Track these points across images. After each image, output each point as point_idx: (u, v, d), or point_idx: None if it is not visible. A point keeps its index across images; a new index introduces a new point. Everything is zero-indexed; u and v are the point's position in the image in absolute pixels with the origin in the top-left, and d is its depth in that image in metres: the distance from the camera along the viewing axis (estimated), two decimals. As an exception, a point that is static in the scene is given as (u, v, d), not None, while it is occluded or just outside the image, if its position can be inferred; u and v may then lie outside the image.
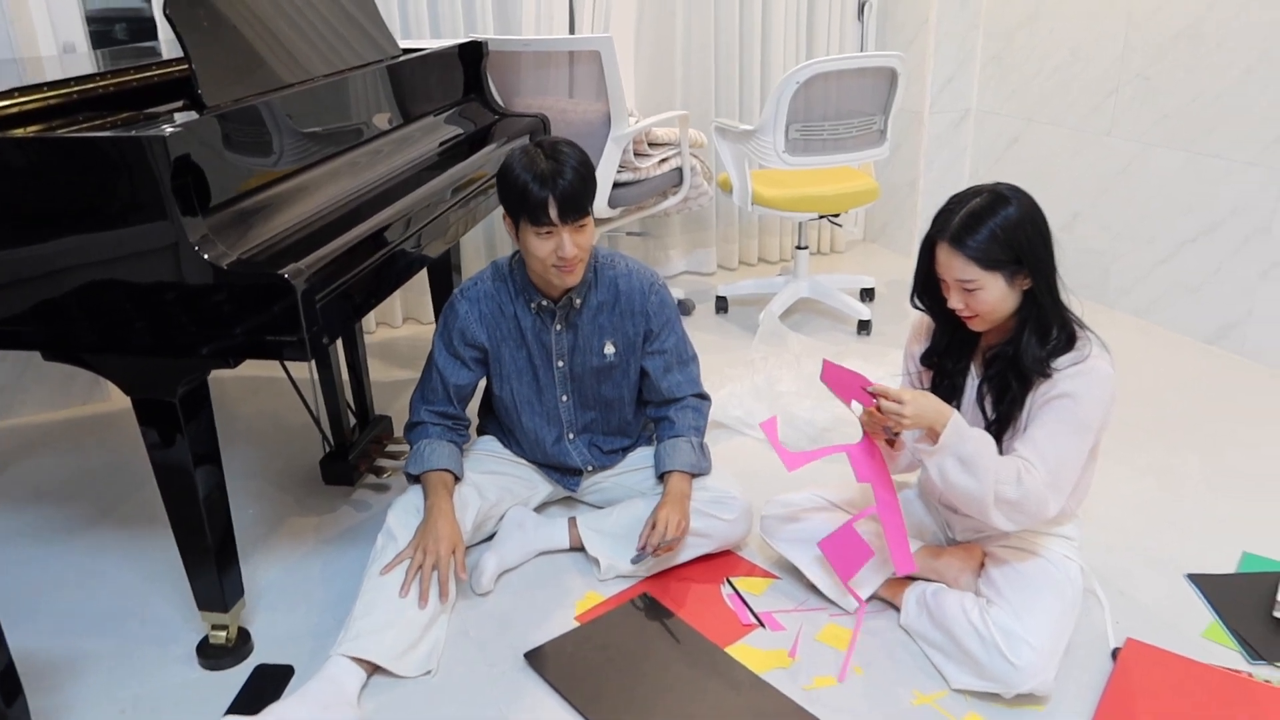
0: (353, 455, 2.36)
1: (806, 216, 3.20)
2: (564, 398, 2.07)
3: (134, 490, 2.42)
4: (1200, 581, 1.96)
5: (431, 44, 2.70)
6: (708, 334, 3.34)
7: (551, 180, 1.78)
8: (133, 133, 1.44)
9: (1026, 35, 3.54)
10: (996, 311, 1.62)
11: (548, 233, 1.81)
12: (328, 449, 2.38)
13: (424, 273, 3.08)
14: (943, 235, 1.61)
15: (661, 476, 2.05)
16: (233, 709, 1.67)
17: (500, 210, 1.91)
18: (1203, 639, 1.81)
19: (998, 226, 1.57)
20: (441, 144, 2.38)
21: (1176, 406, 2.71)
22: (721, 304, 3.54)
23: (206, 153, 1.54)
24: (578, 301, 1.98)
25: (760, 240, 4.07)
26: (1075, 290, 3.35)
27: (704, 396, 2.15)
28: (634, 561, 1.96)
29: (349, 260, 1.67)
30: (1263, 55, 2.77)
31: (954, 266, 1.60)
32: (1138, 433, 2.56)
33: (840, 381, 1.72)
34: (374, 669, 1.73)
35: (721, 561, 2.06)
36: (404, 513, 1.91)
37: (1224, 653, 1.77)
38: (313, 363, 2.36)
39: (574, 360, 2.04)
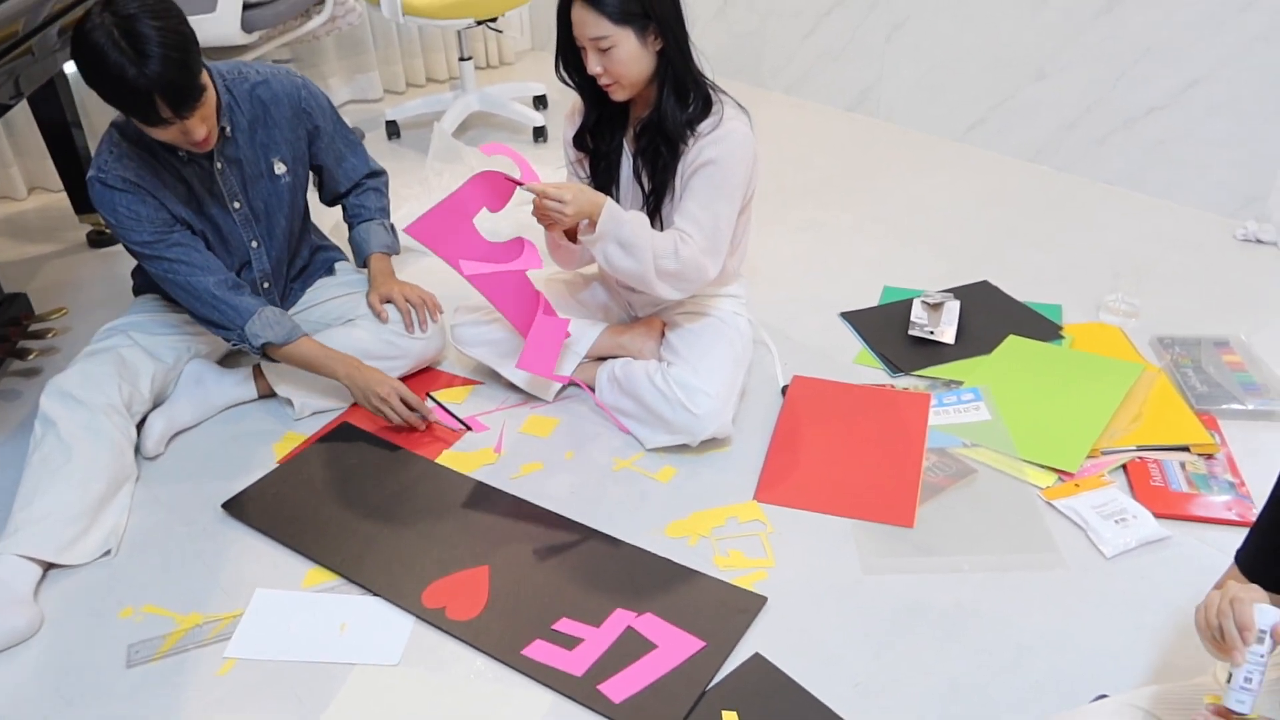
0: (-15, 341, 2.08)
1: (463, 23, 3.06)
2: (254, 243, 1.90)
3: None
4: (850, 317, 2.19)
5: None
6: (382, 160, 3.07)
7: (147, 80, 1.50)
8: None
9: None
10: (632, 73, 1.65)
11: (164, 126, 1.60)
12: (-49, 339, 2.08)
13: (38, 135, 2.66)
14: None
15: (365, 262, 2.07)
16: (-116, 631, 1.49)
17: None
18: (854, 365, 2.04)
19: None
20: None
21: (825, 169, 2.94)
22: (393, 129, 3.37)
23: None
24: (228, 129, 1.77)
25: (425, 59, 3.87)
26: (731, 75, 3.47)
27: (377, 173, 2.13)
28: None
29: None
30: None
31: (587, 23, 1.60)
32: (793, 195, 2.77)
33: (492, 191, 1.71)
34: (49, 563, 1.59)
35: (421, 378, 2.05)
36: (59, 397, 1.73)
37: (871, 373, 2.02)
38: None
39: (251, 196, 1.86)
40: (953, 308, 2.14)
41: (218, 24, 2.68)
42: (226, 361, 2.07)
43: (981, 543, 1.59)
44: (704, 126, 1.69)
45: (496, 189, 1.71)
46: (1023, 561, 1.55)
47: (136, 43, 1.50)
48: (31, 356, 2.10)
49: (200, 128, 1.64)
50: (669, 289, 1.72)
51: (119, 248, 2.28)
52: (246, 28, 2.77)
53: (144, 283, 2.03)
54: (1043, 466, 1.72)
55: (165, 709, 1.38)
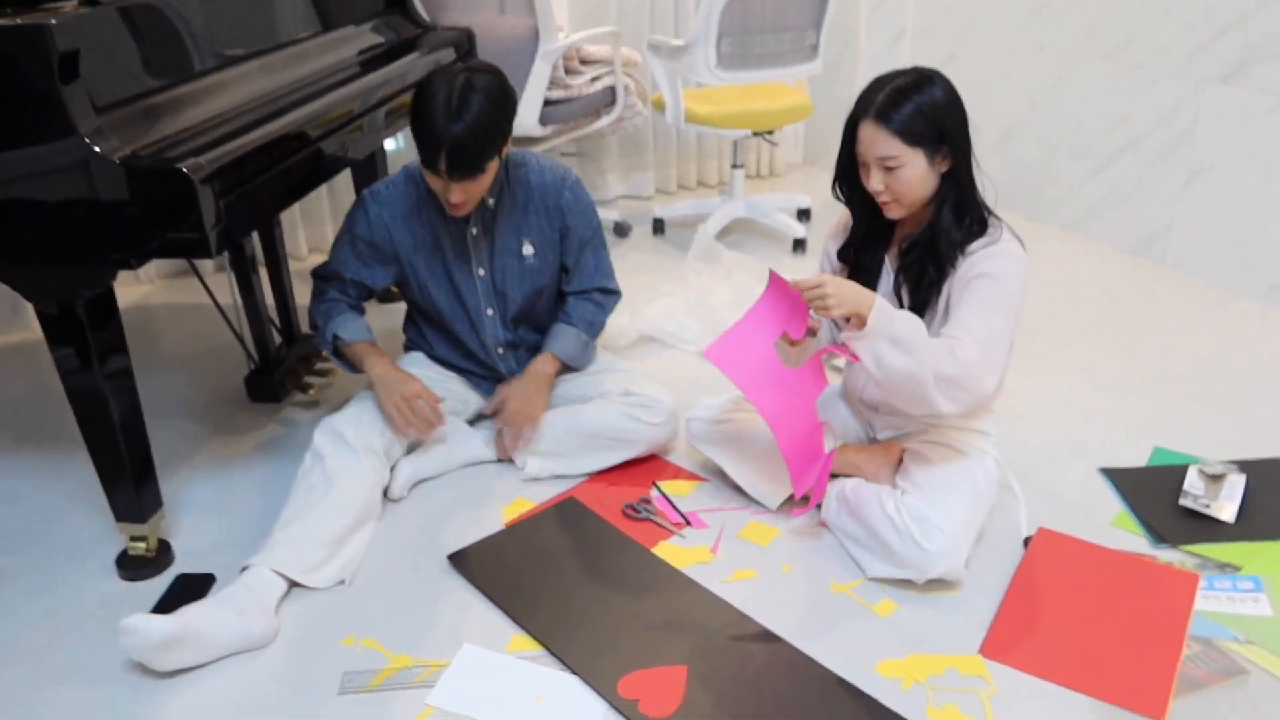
0: (279, 372, 2.33)
1: (740, 133, 3.17)
2: (489, 311, 2.05)
3: (53, 416, 2.37)
4: (1113, 474, 2.01)
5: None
6: (644, 254, 3.33)
7: (447, 136, 1.72)
8: (18, 21, 1.38)
9: (961, -50, 3.52)
10: (914, 193, 1.62)
11: (435, 175, 1.80)
12: (253, 367, 2.35)
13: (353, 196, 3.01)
14: (866, 113, 1.61)
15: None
16: (153, 612, 1.65)
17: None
18: (1111, 527, 1.86)
19: (923, 103, 1.58)
20: (361, 53, 2.31)
21: (1099, 313, 2.76)
22: (659, 226, 3.52)
23: (98, 47, 1.48)
24: (491, 201, 1.95)
25: (699, 164, 4.04)
26: (1008, 205, 3.37)
27: (610, 291, 2.14)
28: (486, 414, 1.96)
29: (257, 158, 1.63)
30: (1188, -36, 2.78)
31: (877, 142, 1.60)
32: (1061, 336, 2.61)
33: (788, 308, 1.68)
34: (293, 581, 1.72)
35: (648, 465, 2.08)
36: (331, 435, 1.89)
37: (1130, 539, 1.83)
38: (235, 282, 2.31)
39: (494, 267, 2.01)
40: (1236, 481, 1.91)
41: (519, 115, 2.93)
42: (474, 422, 2.19)
43: (1247, 756, 1.38)
44: (975, 245, 1.64)
45: (791, 304, 1.66)
46: (1299, 789, 1.33)
47: (461, 106, 1.72)
48: (311, 391, 2.33)
49: (458, 195, 1.82)
50: (945, 400, 1.57)
51: (400, 304, 2.50)
52: (543, 121, 3.02)
53: (413, 339, 2.20)
54: (1335, 681, 1.48)
55: (365, 742, 1.44)
